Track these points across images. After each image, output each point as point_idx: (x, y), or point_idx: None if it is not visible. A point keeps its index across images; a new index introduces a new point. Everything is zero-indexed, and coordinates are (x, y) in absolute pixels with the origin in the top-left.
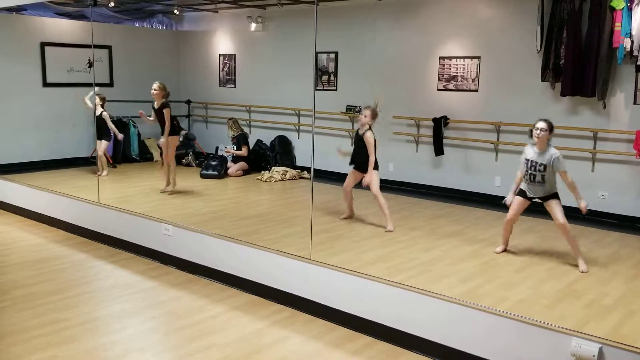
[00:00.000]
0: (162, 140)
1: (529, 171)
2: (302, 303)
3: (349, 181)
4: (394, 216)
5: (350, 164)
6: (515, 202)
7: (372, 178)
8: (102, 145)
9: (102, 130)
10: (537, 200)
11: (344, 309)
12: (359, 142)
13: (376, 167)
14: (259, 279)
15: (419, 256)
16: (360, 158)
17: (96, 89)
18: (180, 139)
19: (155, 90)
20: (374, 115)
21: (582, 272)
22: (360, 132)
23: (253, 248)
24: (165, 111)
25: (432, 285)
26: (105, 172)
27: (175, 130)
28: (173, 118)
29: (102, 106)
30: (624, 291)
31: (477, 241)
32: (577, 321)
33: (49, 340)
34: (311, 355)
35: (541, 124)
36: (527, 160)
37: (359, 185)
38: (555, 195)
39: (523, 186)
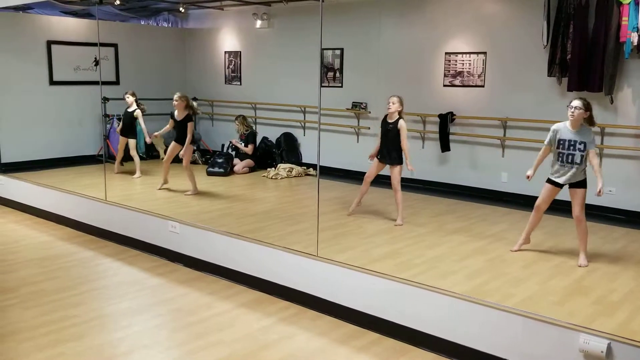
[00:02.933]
0: (182, 151)
1: (566, 151)
2: (309, 300)
3: (372, 172)
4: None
5: (378, 155)
6: (545, 190)
7: (399, 174)
8: (132, 143)
9: (130, 128)
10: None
11: (350, 305)
12: (388, 132)
13: (402, 162)
14: (266, 276)
15: (426, 253)
16: (389, 149)
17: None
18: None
19: (176, 100)
20: (402, 102)
21: (580, 265)
22: (390, 120)
23: (259, 245)
24: (189, 125)
25: (439, 281)
26: (137, 174)
27: (193, 139)
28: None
29: (136, 102)
30: (632, 287)
31: (484, 237)
32: (585, 317)
33: (57, 338)
34: (317, 352)
35: (576, 102)
36: (563, 140)
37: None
38: (584, 184)
39: (554, 172)
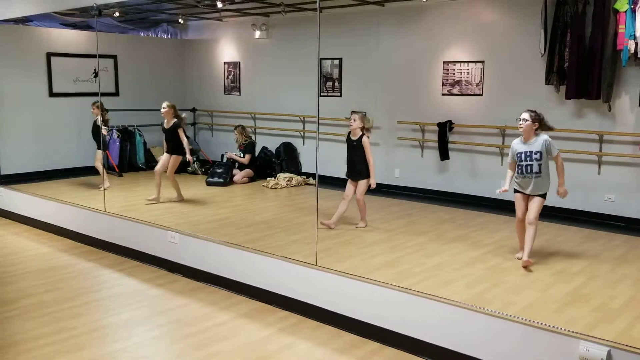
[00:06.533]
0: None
1: (524, 163)
2: (309, 309)
3: (349, 191)
4: (400, 221)
5: (347, 174)
6: (517, 201)
7: (363, 187)
8: (98, 154)
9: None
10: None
11: (350, 315)
12: (352, 149)
13: (368, 176)
14: (266, 286)
15: (426, 261)
16: (354, 164)
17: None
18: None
19: (164, 109)
20: (363, 119)
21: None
22: (353, 137)
23: (259, 255)
24: (179, 131)
25: (439, 290)
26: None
27: (181, 150)
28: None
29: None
30: (632, 294)
31: (484, 245)
32: (585, 325)
33: (57, 349)
34: None
35: (524, 115)
36: (520, 153)
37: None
38: (544, 196)
39: (519, 183)
